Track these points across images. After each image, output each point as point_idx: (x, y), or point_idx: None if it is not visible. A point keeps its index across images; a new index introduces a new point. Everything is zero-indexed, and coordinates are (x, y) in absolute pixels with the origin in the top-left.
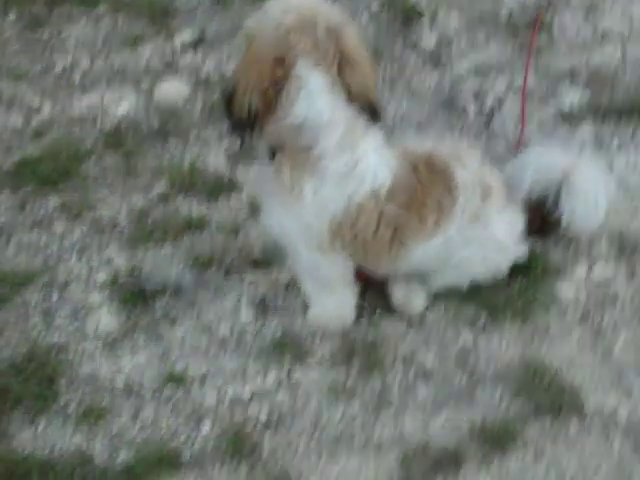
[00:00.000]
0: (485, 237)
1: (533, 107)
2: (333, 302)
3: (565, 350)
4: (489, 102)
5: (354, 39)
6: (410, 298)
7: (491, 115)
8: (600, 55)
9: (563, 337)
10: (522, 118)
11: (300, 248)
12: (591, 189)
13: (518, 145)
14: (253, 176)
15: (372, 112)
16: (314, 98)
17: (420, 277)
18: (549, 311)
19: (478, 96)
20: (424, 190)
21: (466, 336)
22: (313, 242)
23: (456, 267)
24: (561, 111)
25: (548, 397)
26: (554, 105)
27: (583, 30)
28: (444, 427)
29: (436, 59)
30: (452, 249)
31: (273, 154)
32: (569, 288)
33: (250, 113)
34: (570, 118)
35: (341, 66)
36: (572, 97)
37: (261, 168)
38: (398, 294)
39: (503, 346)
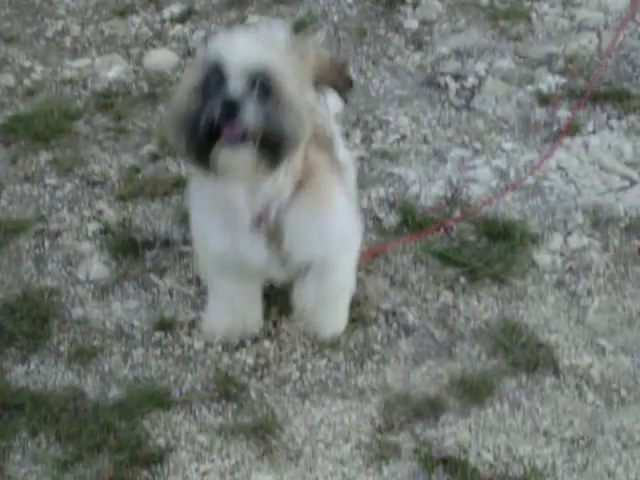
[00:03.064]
0: None
1: (512, 89)
2: None
3: (541, 312)
4: (469, 82)
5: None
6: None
7: (471, 94)
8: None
9: (540, 300)
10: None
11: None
12: None
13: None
14: None
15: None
16: None
17: None
18: (526, 276)
19: (458, 77)
20: None
21: (446, 296)
22: None
23: None
24: (539, 93)
25: (524, 354)
26: (533, 88)
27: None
28: (425, 378)
29: (418, 40)
30: None
31: None
32: (546, 255)
33: None
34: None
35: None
36: (550, 82)
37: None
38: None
39: (482, 306)
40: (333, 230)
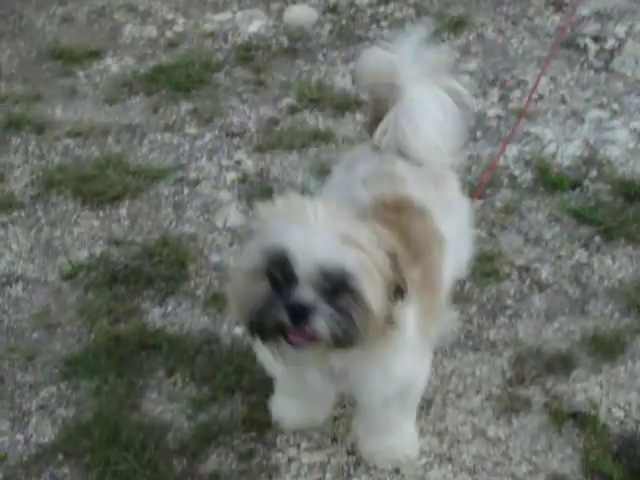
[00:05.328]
0: None
1: None
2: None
3: None
4: (609, 44)
5: None
6: None
7: (611, 56)
8: None
9: None
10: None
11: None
12: None
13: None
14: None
15: None
16: None
17: None
18: None
19: (598, 38)
20: None
21: (580, 254)
22: None
23: None
24: None
25: None
26: None
27: None
28: (557, 334)
29: (559, 2)
30: None
31: None
32: None
33: None
34: None
35: None
36: None
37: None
38: None
39: (616, 265)
40: (390, 383)
